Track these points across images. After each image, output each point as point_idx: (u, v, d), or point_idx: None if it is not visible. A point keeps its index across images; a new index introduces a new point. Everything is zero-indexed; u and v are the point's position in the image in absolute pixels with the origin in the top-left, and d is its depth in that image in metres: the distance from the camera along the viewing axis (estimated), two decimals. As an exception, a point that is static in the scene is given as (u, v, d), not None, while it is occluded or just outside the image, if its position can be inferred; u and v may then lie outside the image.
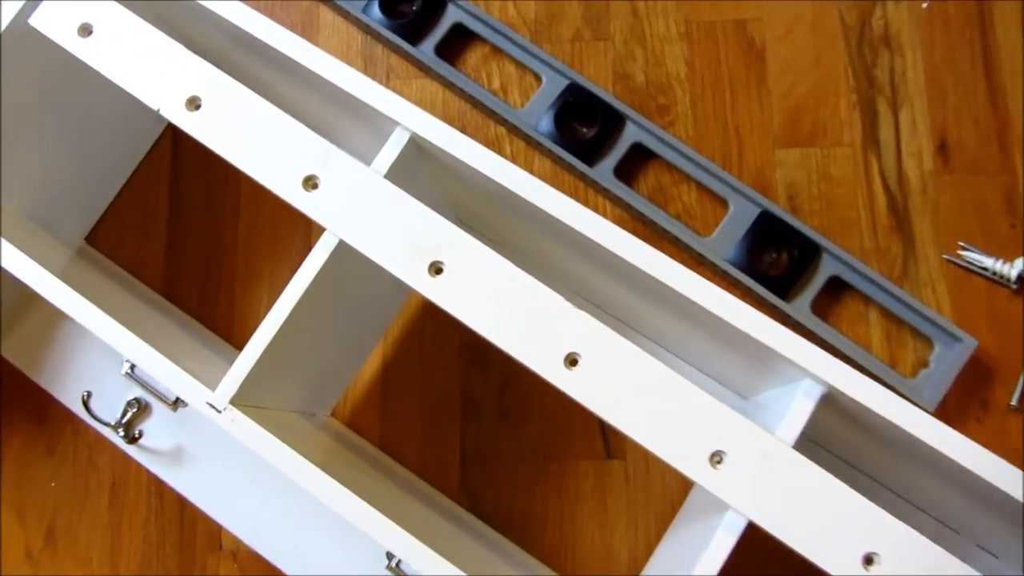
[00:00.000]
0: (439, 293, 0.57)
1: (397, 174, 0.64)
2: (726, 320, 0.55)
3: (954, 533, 0.72)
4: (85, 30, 0.63)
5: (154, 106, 0.61)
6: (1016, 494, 0.53)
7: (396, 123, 0.60)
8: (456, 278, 0.57)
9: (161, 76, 0.62)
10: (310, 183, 0.59)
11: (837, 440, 0.70)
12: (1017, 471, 0.54)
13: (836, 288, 0.79)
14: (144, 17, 0.73)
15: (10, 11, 0.68)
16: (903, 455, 0.59)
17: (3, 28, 0.68)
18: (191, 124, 0.61)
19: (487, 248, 0.58)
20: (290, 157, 0.60)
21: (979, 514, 0.64)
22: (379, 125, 0.64)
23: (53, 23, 0.64)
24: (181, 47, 0.63)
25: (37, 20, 0.64)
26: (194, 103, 0.61)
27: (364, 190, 0.59)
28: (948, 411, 0.77)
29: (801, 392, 0.55)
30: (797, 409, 0.55)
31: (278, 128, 0.60)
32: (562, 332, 0.55)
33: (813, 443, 0.74)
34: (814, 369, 0.54)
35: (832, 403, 0.56)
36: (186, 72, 0.62)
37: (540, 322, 0.56)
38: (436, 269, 0.57)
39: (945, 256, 0.80)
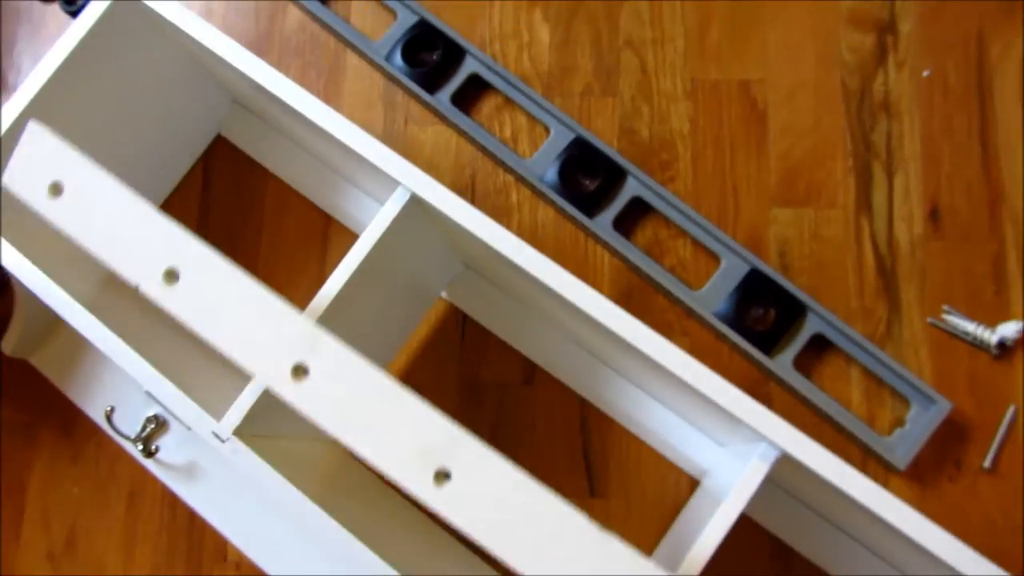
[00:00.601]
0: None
1: (402, 224, 0.69)
2: (689, 384, 0.59)
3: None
4: (55, 190, 0.58)
5: (131, 280, 0.58)
6: (961, 568, 0.56)
7: (398, 183, 0.65)
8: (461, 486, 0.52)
9: (137, 244, 0.57)
10: (300, 372, 0.54)
11: (804, 491, 0.73)
12: (960, 544, 0.57)
13: (819, 346, 0.82)
14: (177, 54, 0.79)
15: (62, 52, 0.74)
16: (853, 508, 0.63)
17: (54, 71, 0.74)
18: (169, 299, 0.57)
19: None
20: (275, 342, 0.55)
21: (929, 566, 0.67)
22: (385, 178, 0.69)
23: (23, 180, 0.59)
24: (157, 215, 0.58)
25: (9, 180, 0.60)
26: (172, 276, 0.57)
27: (358, 384, 0.54)
28: (922, 470, 0.79)
29: (758, 454, 0.59)
30: (753, 469, 0.58)
31: (262, 308, 0.56)
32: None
33: (784, 491, 0.77)
34: (769, 434, 0.57)
35: (791, 462, 0.60)
36: (164, 242, 0.57)
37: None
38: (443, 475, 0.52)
39: (929, 320, 0.82)
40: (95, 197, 0.58)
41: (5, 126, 0.73)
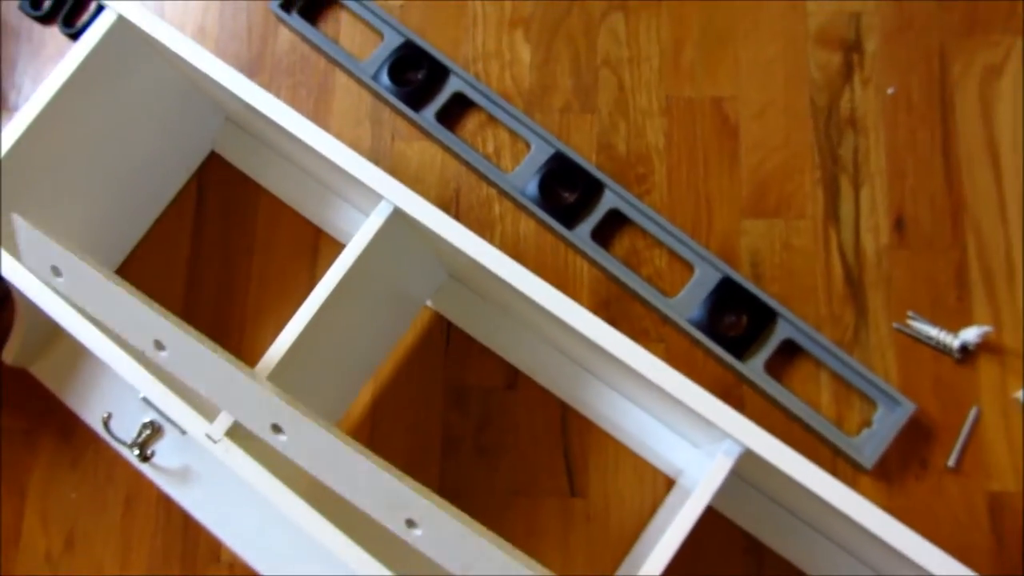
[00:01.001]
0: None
1: (386, 236, 0.72)
2: (655, 383, 0.62)
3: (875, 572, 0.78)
4: (56, 271, 0.68)
5: (134, 343, 0.66)
6: (921, 561, 0.60)
7: (380, 196, 0.69)
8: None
9: (127, 316, 0.66)
10: (277, 428, 0.63)
11: (773, 489, 0.76)
12: (916, 536, 0.60)
13: (790, 351, 0.86)
14: (172, 75, 0.84)
15: (63, 74, 0.78)
16: (816, 503, 0.66)
17: (55, 92, 0.78)
18: (163, 361, 0.64)
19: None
20: (251, 406, 0.64)
21: (894, 561, 0.70)
22: (370, 192, 0.72)
23: (33, 259, 0.68)
24: (137, 303, 0.66)
25: (25, 259, 0.69)
26: (160, 345, 0.65)
27: (325, 452, 0.63)
28: (889, 469, 0.83)
29: (723, 450, 0.62)
30: (718, 465, 0.62)
31: (232, 379, 0.64)
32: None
33: (755, 489, 0.81)
34: (732, 431, 0.61)
35: (753, 458, 0.63)
36: (145, 319, 0.65)
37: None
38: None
39: (895, 325, 0.86)
40: (84, 279, 0.67)
41: (6, 147, 0.76)
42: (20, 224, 0.66)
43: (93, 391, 0.92)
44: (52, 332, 0.92)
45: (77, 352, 0.93)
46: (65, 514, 0.91)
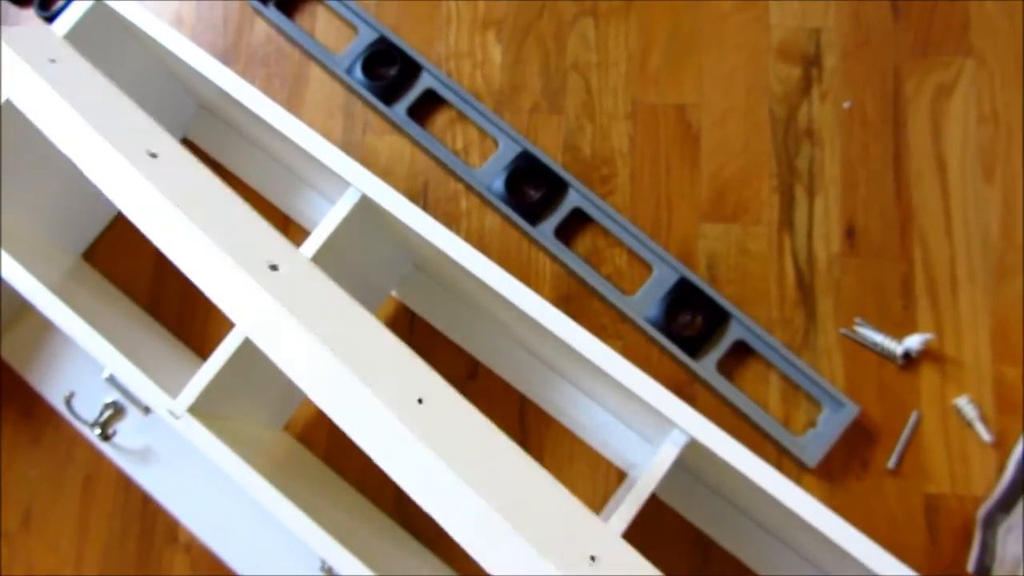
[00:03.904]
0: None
1: (353, 224, 0.74)
2: (609, 373, 0.65)
3: (816, 570, 0.81)
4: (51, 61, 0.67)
5: (123, 150, 0.63)
6: (856, 554, 0.62)
7: (348, 183, 0.70)
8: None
9: (123, 122, 0.65)
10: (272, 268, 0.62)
11: (721, 485, 0.79)
12: (845, 524, 0.63)
13: (742, 351, 0.89)
14: (147, 60, 0.84)
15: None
16: (763, 497, 0.69)
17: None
18: (153, 173, 0.62)
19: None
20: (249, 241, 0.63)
21: (833, 557, 0.73)
22: (337, 179, 0.74)
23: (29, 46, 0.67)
24: (132, 104, 0.67)
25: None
26: (153, 156, 0.64)
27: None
28: (832, 468, 0.86)
29: (670, 440, 0.65)
30: (664, 453, 0.64)
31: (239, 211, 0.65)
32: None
33: (698, 480, 0.83)
34: (678, 420, 0.63)
35: (699, 449, 0.66)
36: (143, 127, 0.66)
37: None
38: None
39: (842, 330, 0.89)
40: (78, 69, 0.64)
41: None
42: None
43: (56, 370, 0.93)
44: (16, 311, 0.93)
45: (41, 331, 0.93)
46: (23, 491, 0.91)
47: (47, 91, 0.65)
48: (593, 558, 0.51)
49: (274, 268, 0.58)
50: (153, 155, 0.63)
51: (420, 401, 0.56)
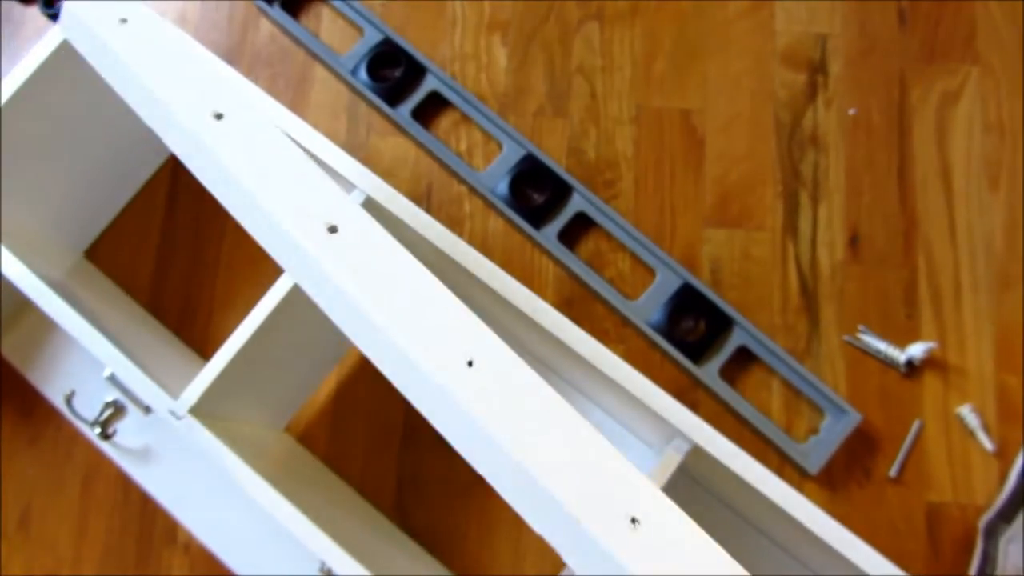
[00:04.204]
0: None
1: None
2: (612, 378, 0.65)
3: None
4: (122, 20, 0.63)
5: (188, 118, 0.59)
6: (851, 556, 0.62)
7: (353, 185, 0.70)
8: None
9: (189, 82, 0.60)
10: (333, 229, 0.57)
11: (722, 491, 0.79)
12: (846, 531, 0.63)
13: (744, 357, 0.89)
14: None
15: (47, 48, 0.79)
16: (764, 504, 0.68)
17: (32, 72, 0.78)
18: (218, 137, 0.58)
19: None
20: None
21: (834, 564, 0.73)
22: (342, 181, 0.74)
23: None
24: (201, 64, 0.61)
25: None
26: (219, 116, 0.59)
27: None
28: (833, 475, 0.86)
29: (672, 446, 0.65)
30: (667, 459, 0.64)
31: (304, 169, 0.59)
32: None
33: (699, 485, 0.83)
34: (681, 426, 0.63)
35: (702, 456, 0.66)
36: (210, 84, 0.60)
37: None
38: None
39: (845, 337, 0.89)
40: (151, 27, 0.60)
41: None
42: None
43: (56, 369, 0.93)
44: (17, 309, 0.93)
45: (42, 329, 0.93)
46: (21, 490, 0.91)
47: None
48: (635, 520, 0.50)
49: (333, 230, 0.56)
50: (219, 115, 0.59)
51: (470, 364, 0.54)
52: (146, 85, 0.58)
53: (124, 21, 0.61)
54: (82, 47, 0.63)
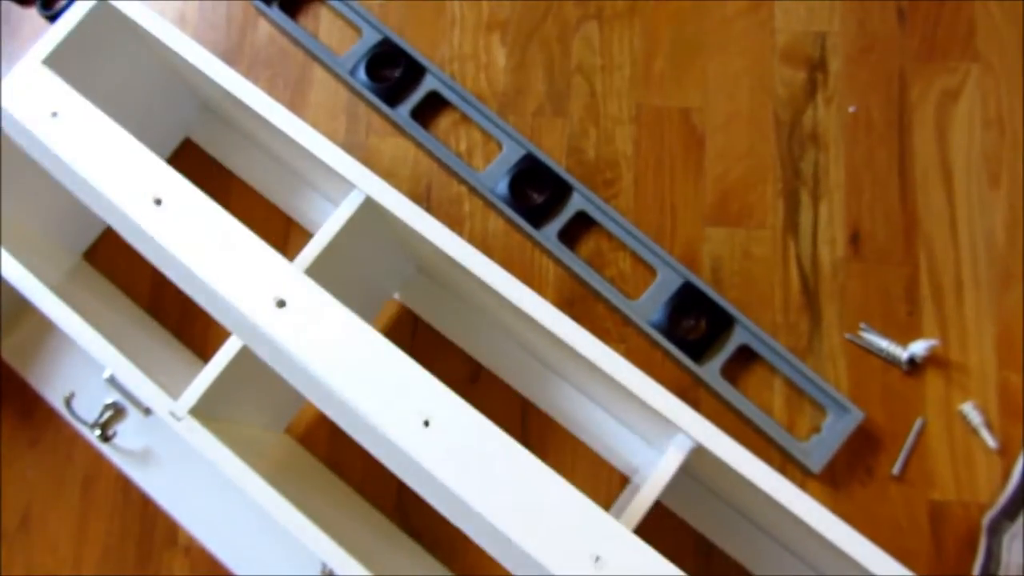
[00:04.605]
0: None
1: (357, 226, 0.74)
2: (614, 378, 0.64)
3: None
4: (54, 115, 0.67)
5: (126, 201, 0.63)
6: (854, 554, 0.62)
7: (353, 185, 0.70)
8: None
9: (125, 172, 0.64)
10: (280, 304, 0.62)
11: (724, 489, 0.79)
12: (850, 529, 0.63)
13: (746, 356, 0.88)
14: (150, 60, 0.84)
15: (40, 54, 0.78)
16: (767, 502, 0.68)
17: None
18: (156, 223, 0.62)
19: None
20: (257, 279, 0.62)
21: (837, 563, 0.73)
22: (342, 181, 0.74)
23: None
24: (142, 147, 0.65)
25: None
26: (158, 202, 0.63)
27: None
28: (836, 474, 0.85)
29: (675, 445, 0.64)
30: (669, 458, 0.64)
31: (244, 244, 0.63)
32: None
33: (707, 489, 0.83)
34: (684, 425, 0.63)
35: (705, 454, 0.65)
36: (148, 172, 0.64)
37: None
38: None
39: (847, 335, 0.89)
40: (86, 125, 0.63)
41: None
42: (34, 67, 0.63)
43: (56, 370, 0.92)
44: (17, 310, 0.92)
45: (42, 331, 0.93)
46: (21, 492, 0.91)
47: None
48: (598, 558, 0.51)
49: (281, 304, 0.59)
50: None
51: (427, 424, 0.56)
52: (82, 175, 0.60)
53: (55, 115, 0.62)
54: (19, 140, 0.64)
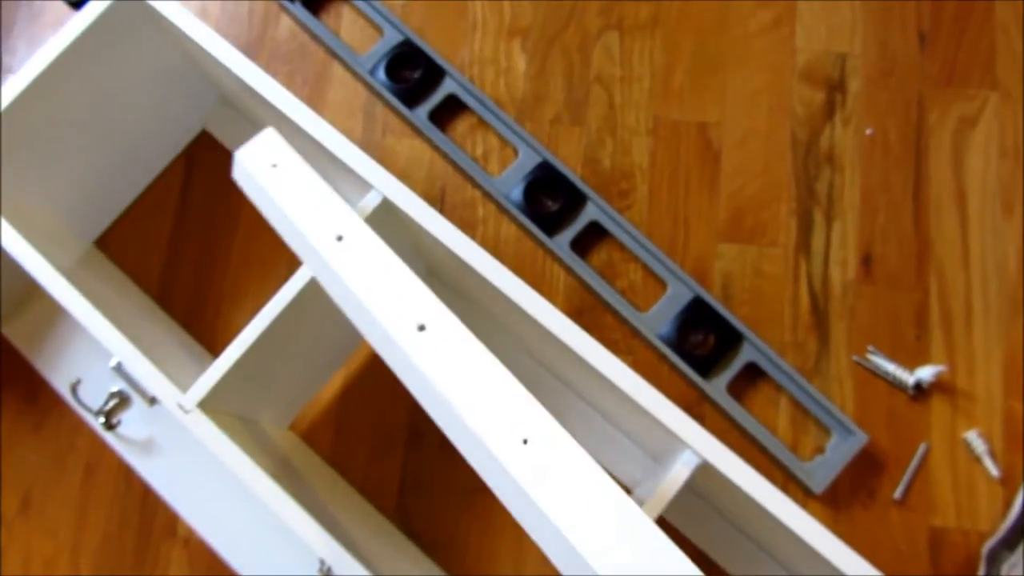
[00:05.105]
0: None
1: (371, 226, 0.73)
2: (624, 391, 0.64)
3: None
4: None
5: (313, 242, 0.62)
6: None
7: (370, 186, 0.70)
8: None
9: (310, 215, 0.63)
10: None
11: (728, 508, 0.79)
12: (853, 554, 0.63)
13: (753, 373, 0.88)
14: (171, 50, 0.84)
15: (57, 48, 0.78)
16: (768, 520, 0.68)
17: (53, 59, 0.78)
18: (338, 257, 0.62)
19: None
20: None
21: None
22: (359, 181, 0.74)
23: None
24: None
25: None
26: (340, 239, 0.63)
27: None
28: (838, 495, 0.85)
29: (681, 461, 0.64)
30: (675, 474, 0.64)
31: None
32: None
33: (711, 507, 0.83)
34: (692, 442, 0.63)
35: (710, 471, 0.65)
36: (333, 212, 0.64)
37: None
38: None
39: (855, 358, 0.89)
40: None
41: (5, 103, 0.77)
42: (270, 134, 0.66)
43: (63, 356, 0.92)
44: (27, 294, 0.93)
45: (51, 316, 0.93)
46: (23, 476, 0.91)
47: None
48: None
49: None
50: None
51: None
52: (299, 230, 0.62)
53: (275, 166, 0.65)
54: (245, 188, 0.66)
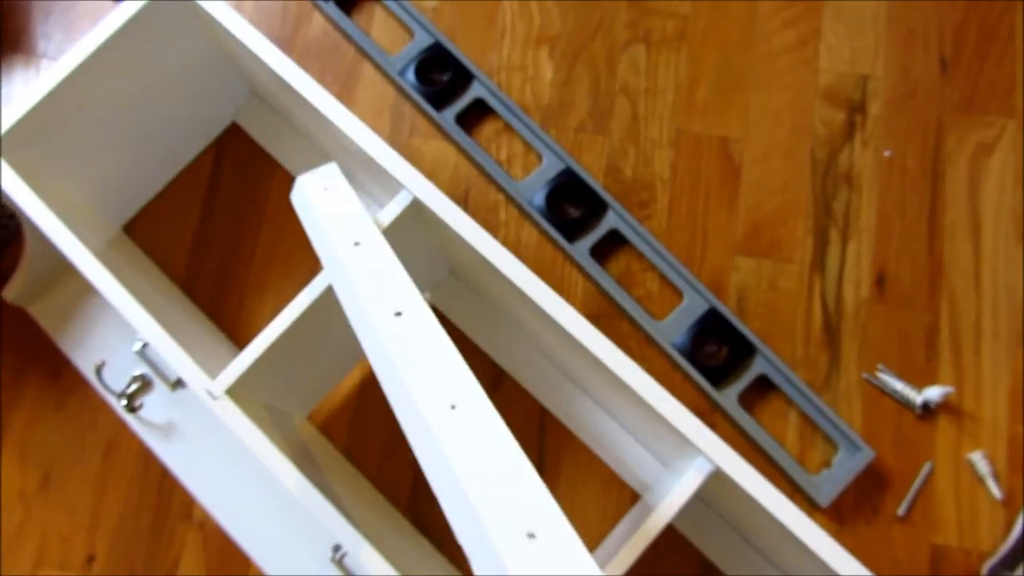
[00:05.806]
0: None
1: (400, 226, 0.75)
2: (637, 392, 0.66)
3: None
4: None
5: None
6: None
7: (402, 186, 0.72)
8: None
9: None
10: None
11: (736, 517, 0.80)
12: (859, 565, 0.64)
13: (764, 386, 0.90)
14: (207, 43, 0.86)
15: (104, 32, 0.80)
16: (777, 531, 0.70)
17: (97, 47, 0.80)
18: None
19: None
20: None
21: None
22: (389, 180, 0.76)
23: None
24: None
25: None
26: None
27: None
28: (842, 510, 0.87)
29: (695, 467, 0.66)
30: (689, 479, 0.65)
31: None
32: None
33: (712, 509, 0.84)
34: (706, 449, 0.65)
35: (722, 479, 0.67)
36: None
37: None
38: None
39: (864, 375, 0.90)
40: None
41: (47, 90, 0.79)
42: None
43: (88, 337, 0.94)
44: (56, 274, 0.94)
45: (77, 298, 0.95)
46: (44, 454, 0.92)
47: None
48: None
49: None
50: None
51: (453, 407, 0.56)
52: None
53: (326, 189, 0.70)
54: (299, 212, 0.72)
